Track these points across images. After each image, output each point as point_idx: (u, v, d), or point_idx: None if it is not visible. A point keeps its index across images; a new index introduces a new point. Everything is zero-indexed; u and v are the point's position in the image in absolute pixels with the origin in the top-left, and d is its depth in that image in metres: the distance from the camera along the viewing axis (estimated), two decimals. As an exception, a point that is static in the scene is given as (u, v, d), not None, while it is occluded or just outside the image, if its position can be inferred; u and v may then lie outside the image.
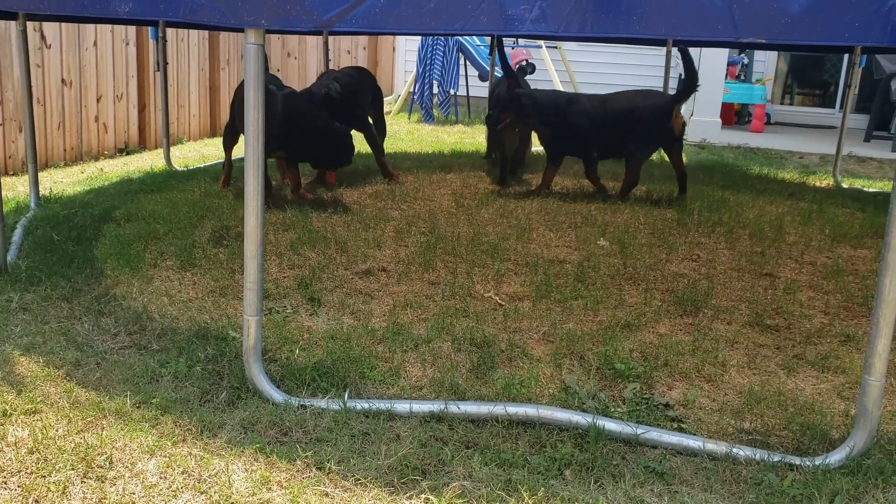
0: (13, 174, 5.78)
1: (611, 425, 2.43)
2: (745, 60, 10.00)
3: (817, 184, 6.66)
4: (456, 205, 5.18)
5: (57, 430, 2.33)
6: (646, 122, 5.32)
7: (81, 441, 2.28)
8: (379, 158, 5.90)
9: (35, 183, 4.87)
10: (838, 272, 4.08)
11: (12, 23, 5.19)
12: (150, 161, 6.60)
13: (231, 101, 5.63)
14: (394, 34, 10.05)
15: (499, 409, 2.49)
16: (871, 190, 6.51)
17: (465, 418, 2.49)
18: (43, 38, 6.00)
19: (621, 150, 5.51)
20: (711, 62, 8.41)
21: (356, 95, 5.73)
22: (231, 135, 5.50)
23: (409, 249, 4.21)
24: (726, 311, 3.51)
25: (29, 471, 2.14)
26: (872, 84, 9.30)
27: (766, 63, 10.64)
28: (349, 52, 10.69)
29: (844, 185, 6.63)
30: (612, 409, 2.59)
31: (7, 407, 2.45)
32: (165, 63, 6.19)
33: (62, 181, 5.71)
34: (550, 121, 5.51)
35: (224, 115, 8.12)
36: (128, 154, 6.98)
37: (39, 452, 2.21)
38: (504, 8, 2.10)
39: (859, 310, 3.60)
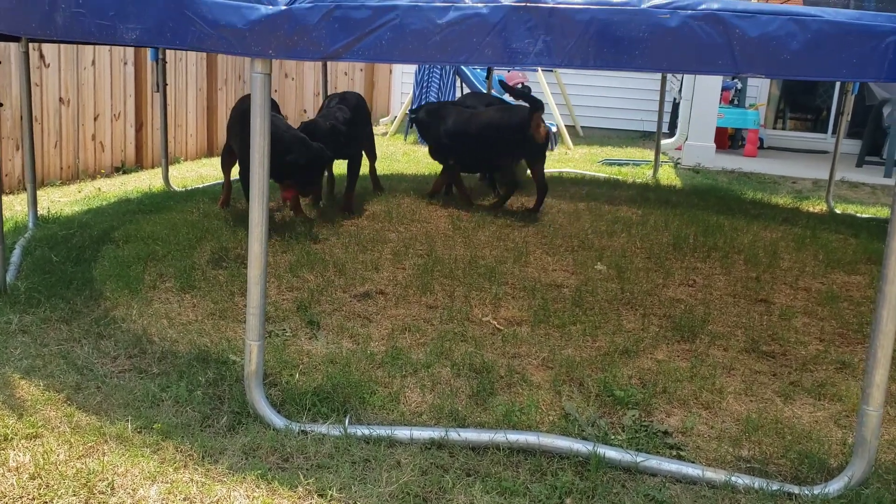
0: (9, 193, 5.78)
1: (611, 453, 2.44)
2: (739, 85, 10.11)
3: (811, 209, 6.72)
4: (453, 227, 5.21)
5: (58, 456, 2.33)
6: (504, 134, 5.56)
7: (83, 466, 2.28)
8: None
9: (34, 203, 4.87)
10: (833, 298, 4.11)
11: (12, 43, 5.22)
12: (147, 181, 6.61)
13: (228, 122, 5.61)
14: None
15: (499, 436, 2.50)
16: (864, 216, 6.57)
17: (466, 445, 2.50)
18: (42, 56, 6.03)
19: (487, 165, 6.05)
20: (706, 87, 8.49)
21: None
22: (228, 155, 5.50)
23: (406, 272, 4.22)
24: (723, 337, 3.53)
25: (31, 496, 2.14)
26: (865, 109, 9.40)
27: (760, 88, 10.75)
28: (346, 73, 10.75)
29: (837, 211, 6.68)
30: (612, 437, 2.60)
31: (8, 431, 2.45)
32: (165, 84, 6.22)
33: (59, 200, 5.71)
34: (428, 135, 6.08)
35: (221, 135, 8.14)
36: (124, 173, 6.99)
37: (41, 478, 2.21)
38: (508, 42, 2.14)
39: (854, 337, 3.63)
